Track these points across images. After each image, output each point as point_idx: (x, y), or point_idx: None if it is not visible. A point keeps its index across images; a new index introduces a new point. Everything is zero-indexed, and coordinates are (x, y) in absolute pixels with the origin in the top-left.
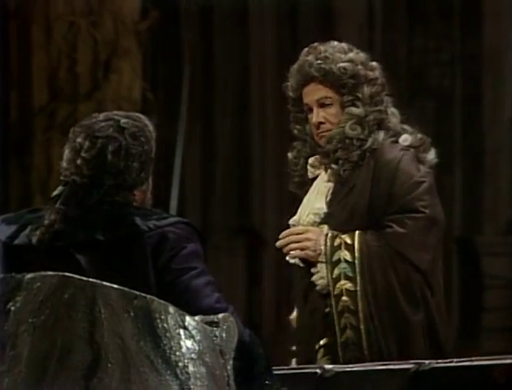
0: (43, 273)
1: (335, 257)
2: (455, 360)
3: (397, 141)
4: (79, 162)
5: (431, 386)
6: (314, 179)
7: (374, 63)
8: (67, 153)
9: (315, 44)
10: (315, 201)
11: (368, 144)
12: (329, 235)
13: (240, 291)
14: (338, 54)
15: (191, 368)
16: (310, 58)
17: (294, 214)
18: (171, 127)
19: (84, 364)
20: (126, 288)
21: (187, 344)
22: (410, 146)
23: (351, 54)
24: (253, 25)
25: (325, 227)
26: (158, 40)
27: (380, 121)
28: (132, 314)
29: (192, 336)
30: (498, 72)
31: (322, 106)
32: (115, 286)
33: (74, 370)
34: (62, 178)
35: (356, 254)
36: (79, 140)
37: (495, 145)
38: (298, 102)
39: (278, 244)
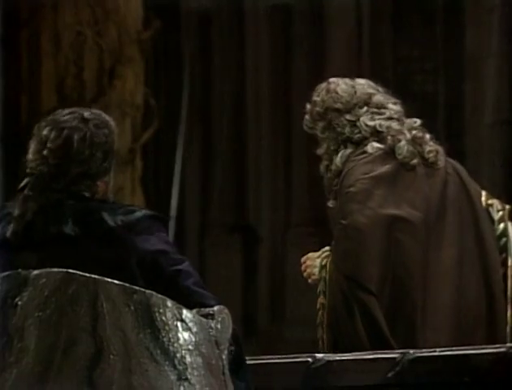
0: (48, 270)
1: (321, 275)
2: (438, 349)
3: (363, 152)
4: (45, 152)
5: (416, 373)
6: None
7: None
8: (33, 146)
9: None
10: None
11: (333, 167)
12: (322, 256)
13: (237, 283)
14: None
15: (188, 358)
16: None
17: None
18: (172, 131)
19: (87, 355)
20: (126, 284)
21: (184, 335)
22: (376, 150)
23: (319, 87)
24: (248, 36)
25: (320, 253)
26: (160, 48)
27: (340, 141)
28: (132, 308)
29: (189, 328)
30: (479, 79)
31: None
32: (116, 282)
33: (78, 361)
34: (28, 170)
35: (327, 271)
36: (44, 132)
37: (475, 148)
38: None
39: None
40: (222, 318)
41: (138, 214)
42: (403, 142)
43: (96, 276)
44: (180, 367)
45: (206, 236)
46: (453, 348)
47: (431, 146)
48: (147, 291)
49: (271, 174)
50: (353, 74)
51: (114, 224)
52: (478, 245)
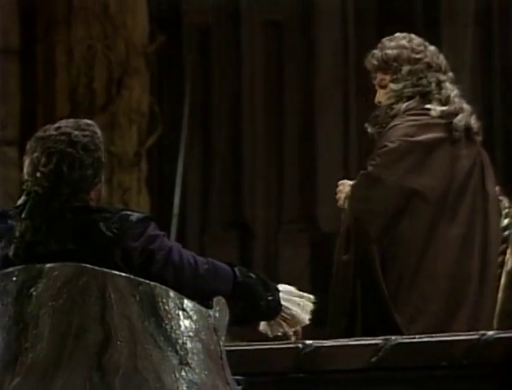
0: (61, 263)
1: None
2: (417, 336)
3: (423, 108)
4: (38, 175)
5: (397, 358)
6: None
7: (421, 47)
8: (26, 165)
9: (382, 40)
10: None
11: (394, 111)
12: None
13: None
14: (387, 43)
15: (189, 344)
16: (370, 56)
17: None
18: (175, 136)
19: (96, 342)
20: (132, 276)
21: (185, 323)
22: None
23: (397, 42)
24: (244, 48)
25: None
26: (164, 60)
27: (420, 92)
28: (137, 298)
29: (189, 317)
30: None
31: (381, 87)
32: (123, 274)
33: (88, 347)
34: (24, 188)
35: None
36: (36, 154)
37: None
38: None
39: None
40: (220, 307)
41: (132, 219)
42: (464, 114)
43: (104, 269)
44: (182, 352)
45: (205, 233)
46: (432, 335)
47: (475, 119)
48: (151, 282)
49: (265, 176)
50: (340, 81)
51: (111, 233)
52: (484, 231)
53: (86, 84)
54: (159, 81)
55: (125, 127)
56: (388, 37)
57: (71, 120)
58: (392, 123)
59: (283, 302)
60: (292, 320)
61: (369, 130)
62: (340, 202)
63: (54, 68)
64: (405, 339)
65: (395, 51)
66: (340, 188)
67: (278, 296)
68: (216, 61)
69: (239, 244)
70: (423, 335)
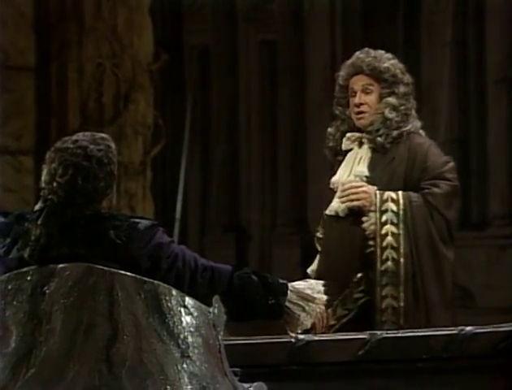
0: (72, 264)
1: (383, 207)
2: (401, 331)
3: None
4: (55, 184)
5: (382, 351)
6: (347, 151)
7: (408, 75)
8: (44, 174)
9: (366, 49)
10: (356, 166)
11: (408, 127)
12: (378, 191)
13: None
14: (385, 57)
15: (190, 339)
16: (362, 56)
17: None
18: (177, 147)
19: (105, 336)
20: (138, 276)
21: (186, 319)
22: None
23: (393, 61)
24: (241, 66)
25: (374, 187)
26: (167, 77)
27: (408, 114)
28: (142, 296)
29: (190, 313)
30: (433, 104)
31: (364, 91)
32: (129, 274)
33: (97, 342)
34: (41, 194)
35: (400, 206)
36: (53, 165)
37: None
38: (344, 89)
39: (339, 194)
40: (219, 304)
41: (140, 226)
42: None
43: (112, 269)
44: (183, 346)
45: (205, 235)
46: (414, 330)
47: None
48: (155, 281)
49: (260, 182)
50: (329, 98)
51: (120, 241)
52: None
53: (96, 98)
54: (163, 96)
55: (131, 139)
56: (376, 52)
57: (88, 134)
58: (419, 140)
59: (288, 304)
60: (294, 323)
61: (378, 140)
62: (358, 203)
63: (67, 84)
64: (390, 333)
65: (391, 66)
66: (365, 188)
67: (282, 299)
68: (215, 78)
69: (236, 245)
70: (406, 331)
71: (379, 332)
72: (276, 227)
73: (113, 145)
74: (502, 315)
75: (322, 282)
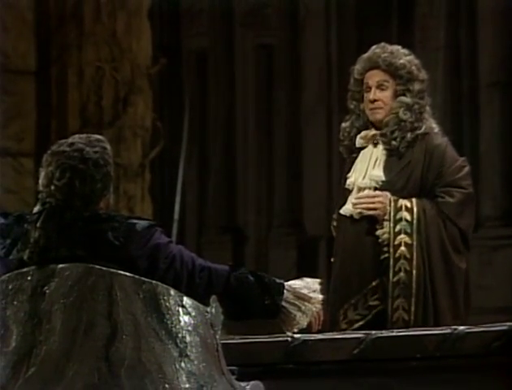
0: (72, 264)
1: (397, 217)
2: (395, 331)
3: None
4: (52, 187)
5: (377, 350)
6: (361, 148)
7: (423, 71)
8: (42, 177)
9: (383, 43)
10: (371, 169)
11: (422, 129)
12: (393, 199)
13: None
14: (401, 53)
15: (188, 338)
16: (378, 51)
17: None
18: (175, 149)
19: (104, 335)
20: (136, 276)
21: (184, 319)
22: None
23: (410, 57)
24: (237, 70)
25: (389, 194)
26: (165, 81)
27: (423, 113)
28: (141, 296)
29: (188, 313)
30: None
31: (379, 87)
32: (128, 274)
33: (96, 341)
34: (39, 197)
35: (414, 216)
36: (50, 168)
37: None
38: (359, 83)
39: (354, 201)
40: (216, 304)
41: (138, 227)
42: None
43: (111, 270)
44: (181, 345)
45: (202, 236)
46: (408, 329)
47: None
48: (154, 281)
49: (256, 184)
50: (324, 101)
51: (118, 242)
52: None
53: (95, 101)
54: (161, 99)
55: (130, 141)
56: (393, 46)
57: (84, 136)
58: (436, 142)
59: (284, 304)
60: (291, 323)
61: (393, 144)
62: (373, 212)
63: (67, 87)
64: (384, 333)
65: (407, 63)
66: (381, 199)
67: (278, 299)
68: (212, 81)
69: (232, 246)
70: (401, 330)
71: (373, 332)
72: (273, 228)
73: (108, 147)
74: (494, 315)
75: (318, 280)
